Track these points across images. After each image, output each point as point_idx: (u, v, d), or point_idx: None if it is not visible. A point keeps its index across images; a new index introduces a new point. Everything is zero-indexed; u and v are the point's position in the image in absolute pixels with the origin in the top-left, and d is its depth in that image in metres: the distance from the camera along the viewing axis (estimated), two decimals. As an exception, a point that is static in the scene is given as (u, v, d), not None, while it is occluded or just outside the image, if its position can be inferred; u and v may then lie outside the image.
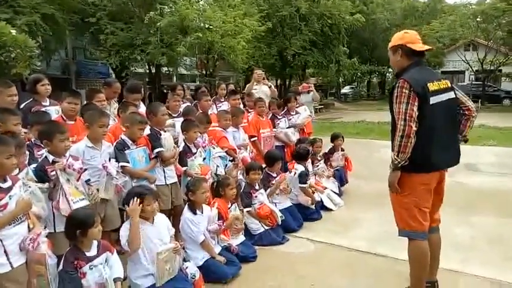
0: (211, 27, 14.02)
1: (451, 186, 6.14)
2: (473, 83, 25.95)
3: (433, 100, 2.68)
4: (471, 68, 26.81)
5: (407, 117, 2.60)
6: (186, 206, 3.49)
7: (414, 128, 2.60)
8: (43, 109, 3.98)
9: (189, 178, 3.87)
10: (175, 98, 5.14)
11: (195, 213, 3.41)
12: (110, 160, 3.32)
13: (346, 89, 41.17)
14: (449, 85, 2.86)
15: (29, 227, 2.42)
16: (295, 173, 4.86)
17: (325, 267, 3.62)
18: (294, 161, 5.11)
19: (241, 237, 3.89)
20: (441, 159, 2.77)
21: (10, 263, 2.28)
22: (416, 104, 2.61)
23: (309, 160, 5.37)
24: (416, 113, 2.61)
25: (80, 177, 2.88)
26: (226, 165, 4.61)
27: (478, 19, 22.85)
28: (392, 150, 2.73)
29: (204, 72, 19.71)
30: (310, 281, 3.36)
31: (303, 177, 4.84)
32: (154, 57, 14.94)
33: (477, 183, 6.39)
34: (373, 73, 39.48)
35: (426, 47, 2.86)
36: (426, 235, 2.82)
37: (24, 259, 2.36)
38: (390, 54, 2.92)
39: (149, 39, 14.77)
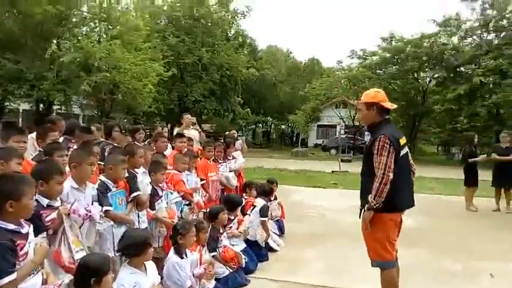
0: (120, 68, 13.67)
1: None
2: (348, 136, 29.72)
3: (402, 153, 3.34)
4: (344, 123, 31.07)
5: (387, 168, 3.16)
6: (172, 249, 3.43)
7: (391, 178, 3.18)
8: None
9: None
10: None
11: (181, 257, 3.38)
12: (92, 203, 3.13)
13: (234, 138, 42.82)
14: (405, 141, 3.58)
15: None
16: (255, 206, 5.11)
17: (295, 304, 3.88)
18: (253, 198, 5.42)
19: (213, 282, 3.90)
20: (406, 201, 3.41)
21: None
22: (393, 156, 3.21)
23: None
24: (393, 165, 3.20)
25: (83, 224, 2.67)
26: (182, 209, 4.63)
27: (349, 82, 27.00)
28: (368, 193, 3.24)
29: (98, 113, 18.69)
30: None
31: (264, 211, 5.15)
32: (49, 94, 13.79)
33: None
34: (259, 123, 42.40)
35: (395, 106, 3.56)
36: (395, 264, 3.36)
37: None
38: (363, 109, 3.49)
39: (44, 74, 13.66)
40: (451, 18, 23.69)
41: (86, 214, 2.68)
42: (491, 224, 7.31)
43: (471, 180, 8.55)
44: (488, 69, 20.55)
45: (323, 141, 33.74)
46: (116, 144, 5.18)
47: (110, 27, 15.95)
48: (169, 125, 27.34)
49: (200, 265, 3.63)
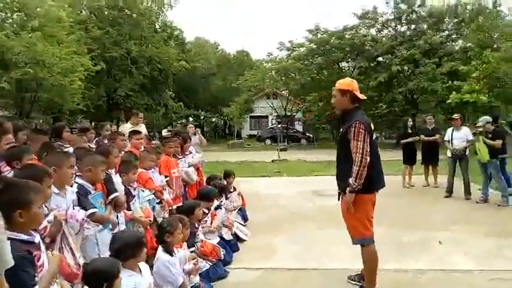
0: (43, 63, 12.47)
1: (319, 208, 7.48)
2: (282, 126, 30.50)
3: (373, 137, 3.61)
4: (277, 113, 31.94)
5: (364, 152, 3.40)
6: (161, 248, 3.34)
7: (369, 160, 3.43)
8: None
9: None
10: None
11: (171, 255, 3.31)
12: (73, 208, 2.92)
13: (164, 132, 41.73)
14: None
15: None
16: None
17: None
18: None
19: (197, 277, 3.87)
20: (380, 182, 3.71)
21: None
22: (368, 141, 3.46)
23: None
24: (369, 148, 3.45)
25: (79, 230, 2.49)
26: (154, 208, 4.50)
27: (279, 74, 27.74)
28: (347, 177, 3.47)
29: (17, 113, 16.90)
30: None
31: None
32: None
33: (336, 204, 7.86)
34: (189, 116, 41.72)
35: (365, 97, 3.82)
36: (373, 240, 3.64)
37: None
38: (337, 95, 3.68)
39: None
40: (369, 11, 25.47)
41: (83, 219, 2.51)
42: (426, 199, 8.15)
43: (407, 159, 9.42)
44: (404, 59, 22.55)
45: (258, 132, 34.28)
46: (65, 146, 4.84)
47: (25, 18, 14.46)
48: (93, 123, 25.77)
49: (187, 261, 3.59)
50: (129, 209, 3.78)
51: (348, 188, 3.50)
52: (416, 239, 5.34)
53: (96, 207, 3.11)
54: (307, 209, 7.62)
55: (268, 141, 29.45)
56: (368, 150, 3.44)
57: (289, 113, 32.89)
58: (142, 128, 7.29)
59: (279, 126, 25.26)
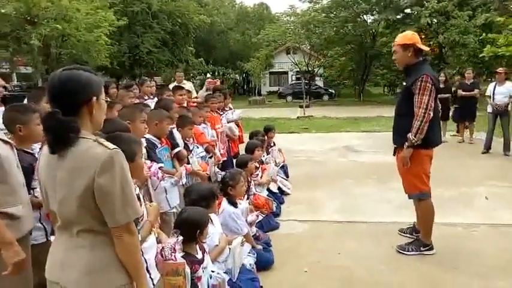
0: (69, 18, 12.39)
1: (353, 164, 7.51)
2: (305, 81, 30.12)
3: (437, 92, 3.53)
4: (299, 68, 31.29)
5: (428, 107, 3.34)
6: (225, 201, 3.46)
7: (431, 116, 3.38)
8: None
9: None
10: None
11: (236, 207, 3.44)
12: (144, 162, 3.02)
13: (183, 88, 41.61)
14: None
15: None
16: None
17: (331, 240, 4.11)
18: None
19: (254, 228, 4.03)
20: (438, 138, 3.68)
21: (152, 279, 2.01)
22: (434, 96, 3.39)
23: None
24: (434, 104, 3.39)
25: (157, 185, 2.59)
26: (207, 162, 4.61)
27: (302, 27, 26.86)
28: (407, 132, 3.44)
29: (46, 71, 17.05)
30: (334, 251, 3.82)
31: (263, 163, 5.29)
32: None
33: (369, 159, 7.92)
34: (208, 72, 41.37)
35: (428, 48, 3.69)
36: (430, 194, 3.67)
37: (158, 273, 2.09)
38: (398, 51, 3.56)
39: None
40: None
41: (162, 175, 2.61)
42: (463, 155, 8.07)
43: (442, 115, 9.22)
44: (435, 10, 21.42)
45: (278, 89, 33.88)
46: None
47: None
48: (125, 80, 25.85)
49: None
50: (187, 162, 3.89)
51: (406, 143, 3.49)
52: (458, 194, 5.36)
53: (162, 161, 3.21)
54: (342, 164, 7.68)
55: (289, 98, 29.15)
56: (433, 106, 3.38)
57: (310, 69, 32.24)
58: (187, 85, 7.31)
59: (305, 81, 24.82)
